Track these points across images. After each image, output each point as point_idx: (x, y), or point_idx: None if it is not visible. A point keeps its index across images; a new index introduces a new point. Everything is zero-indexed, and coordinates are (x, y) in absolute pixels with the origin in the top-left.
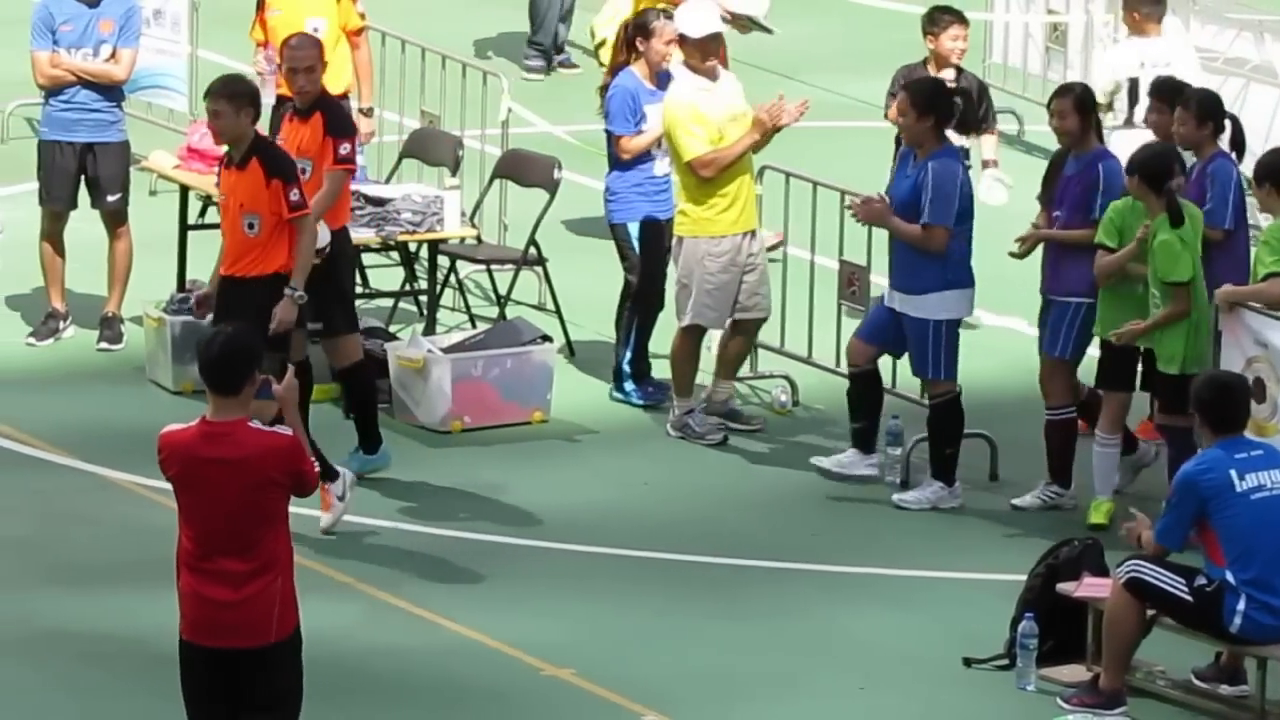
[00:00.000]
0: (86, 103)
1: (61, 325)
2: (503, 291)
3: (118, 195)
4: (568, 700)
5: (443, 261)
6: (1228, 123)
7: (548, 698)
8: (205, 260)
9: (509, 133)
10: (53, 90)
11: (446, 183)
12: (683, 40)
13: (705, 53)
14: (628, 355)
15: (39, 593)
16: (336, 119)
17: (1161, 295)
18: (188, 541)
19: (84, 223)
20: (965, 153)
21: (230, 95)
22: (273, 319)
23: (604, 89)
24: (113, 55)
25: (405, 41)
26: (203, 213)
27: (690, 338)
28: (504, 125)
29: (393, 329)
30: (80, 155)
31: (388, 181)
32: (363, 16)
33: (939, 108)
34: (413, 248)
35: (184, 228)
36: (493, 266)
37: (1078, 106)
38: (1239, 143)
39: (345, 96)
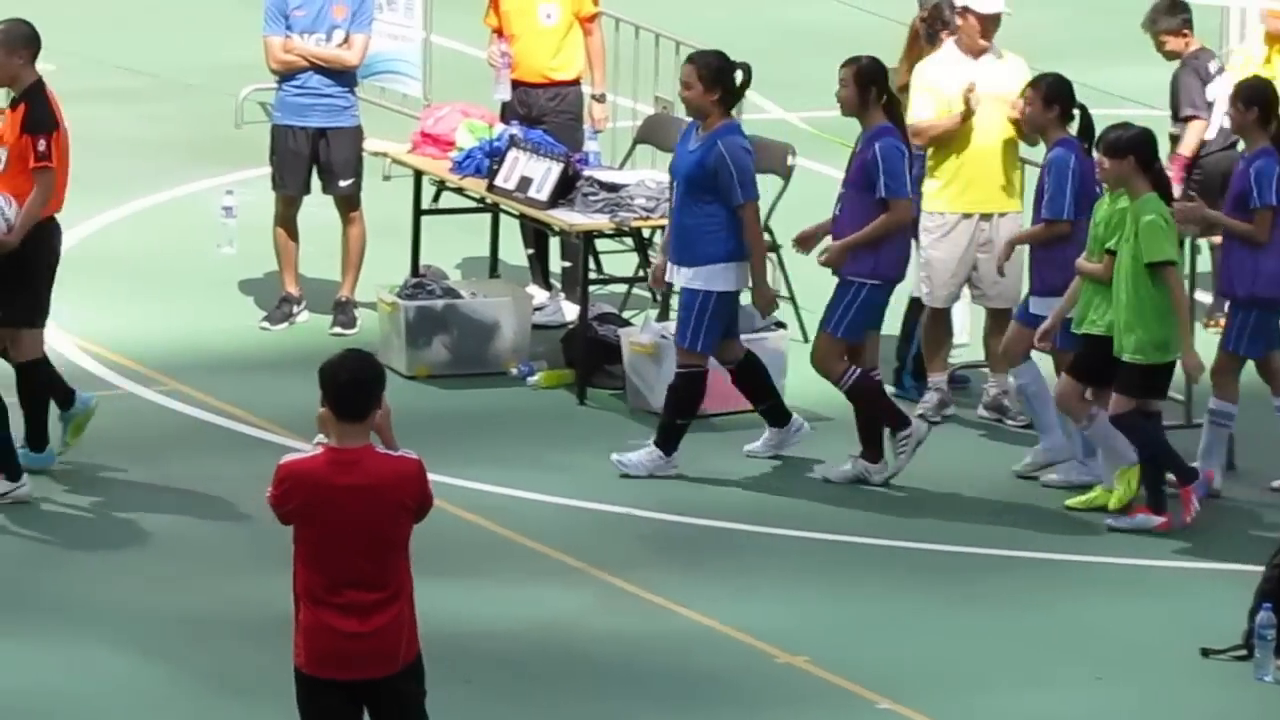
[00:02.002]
0: (319, 88)
1: (295, 310)
2: None
3: (350, 180)
4: (802, 688)
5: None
6: (1077, 110)
7: (783, 685)
8: (439, 245)
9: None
10: (286, 75)
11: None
12: (965, 13)
13: (983, 30)
14: (913, 351)
15: (276, 577)
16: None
17: (1150, 280)
18: (312, 574)
19: (318, 207)
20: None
21: None
22: None
23: (903, 88)
24: (345, 40)
25: (639, 27)
26: (436, 197)
27: (929, 314)
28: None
29: (626, 315)
30: (313, 140)
31: (621, 167)
32: (596, 2)
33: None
34: (646, 233)
35: (418, 212)
36: None
37: (856, 78)
38: (1088, 130)
39: (578, 82)
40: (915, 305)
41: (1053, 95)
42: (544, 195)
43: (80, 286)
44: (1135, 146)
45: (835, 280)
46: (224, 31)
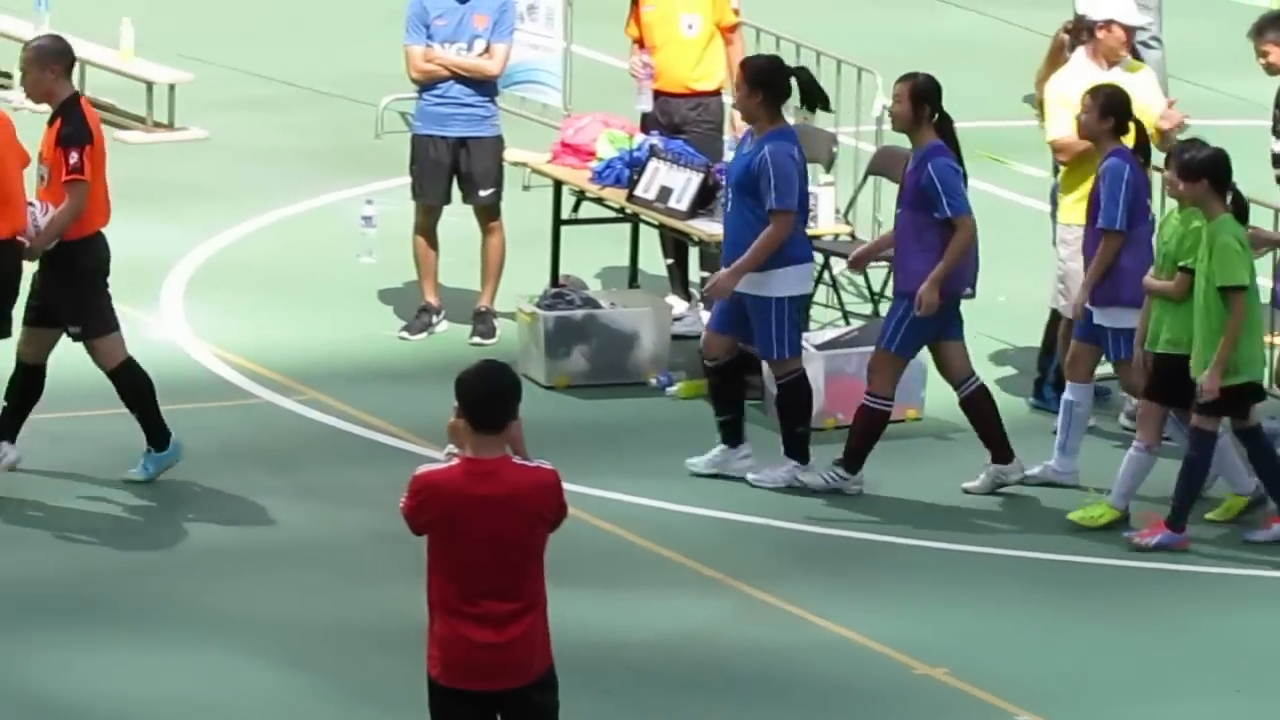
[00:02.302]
0: (460, 97)
1: (434, 319)
2: (876, 288)
3: (491, 190)
4: (941, 699)
5: (816, 258)
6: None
7: (921, 696)
8: (577, 255)
9: (883, 129)
10: (426, 85)
11: (820, 179)
12: (1109, 25)
13: (1127, 42)
14: (1054, 363)
15: (414, 587)
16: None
17: (1220, 301)
18: (448, 584)
19: (458, 217)
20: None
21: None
22: None
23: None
24: (486, 50)
25: (779, 37)
26: (576, 207)
27: (1065, 325)
28: (878, 121)
29: None
30: (454, 150)
31: None
32: (737, 13)
33: None
34: None
35: (557, 222)
36: None
37: (911, 94)
38: (1144, 147)
39: (719, 92)
40: (1055, 317)
41: (1109, 107)
42: (684, 205)
43: (220, 296)
44: (1208, 168)
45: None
46: (364, 41)
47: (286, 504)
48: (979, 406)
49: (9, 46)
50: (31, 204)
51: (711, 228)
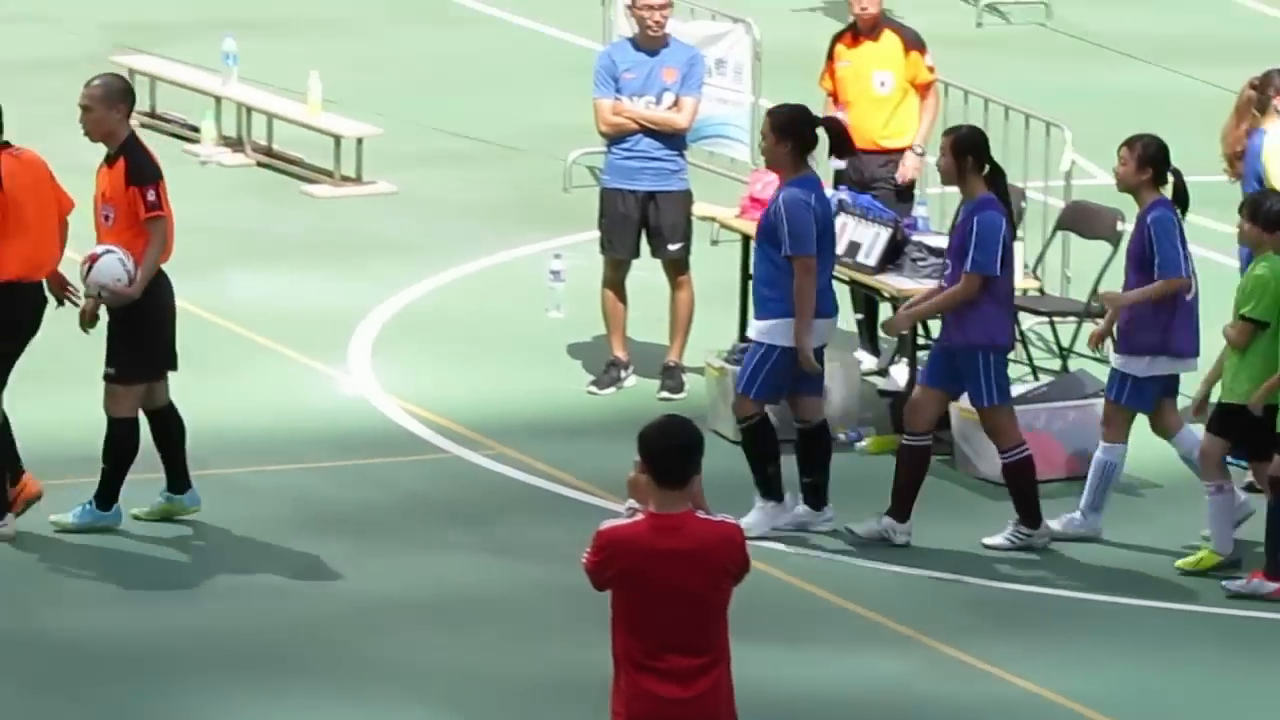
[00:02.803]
0: (649, 151)
1: (623, 374)
2: (1065, 343)
3: (679, 244)
4: None
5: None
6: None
7: None
8: None
9: (1072, 184)
10: (615, 139)
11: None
12: None
13: None
14: None
15: (598, 641)
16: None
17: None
18: (632, 640)
19: (646, 271)
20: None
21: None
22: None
23: (1236, 156)
24: (675, 103)
25: (968, 92)
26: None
27: None
28: (1067, 177)
29: None
30: (642, 204)
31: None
32: (931, 70)
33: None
34: None
35: (746, 277)
36: (1055, 318)
37: (953, 147)
38: (1182, 195)
39: (910, 149)
40: None
41: (1148, 158)
42: (872, 260)
43: (407, 349)
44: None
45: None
46: (552, 95)
47: (472, 558)
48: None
49: (196, 100)
50: (111, 250)
51: (900, 282)
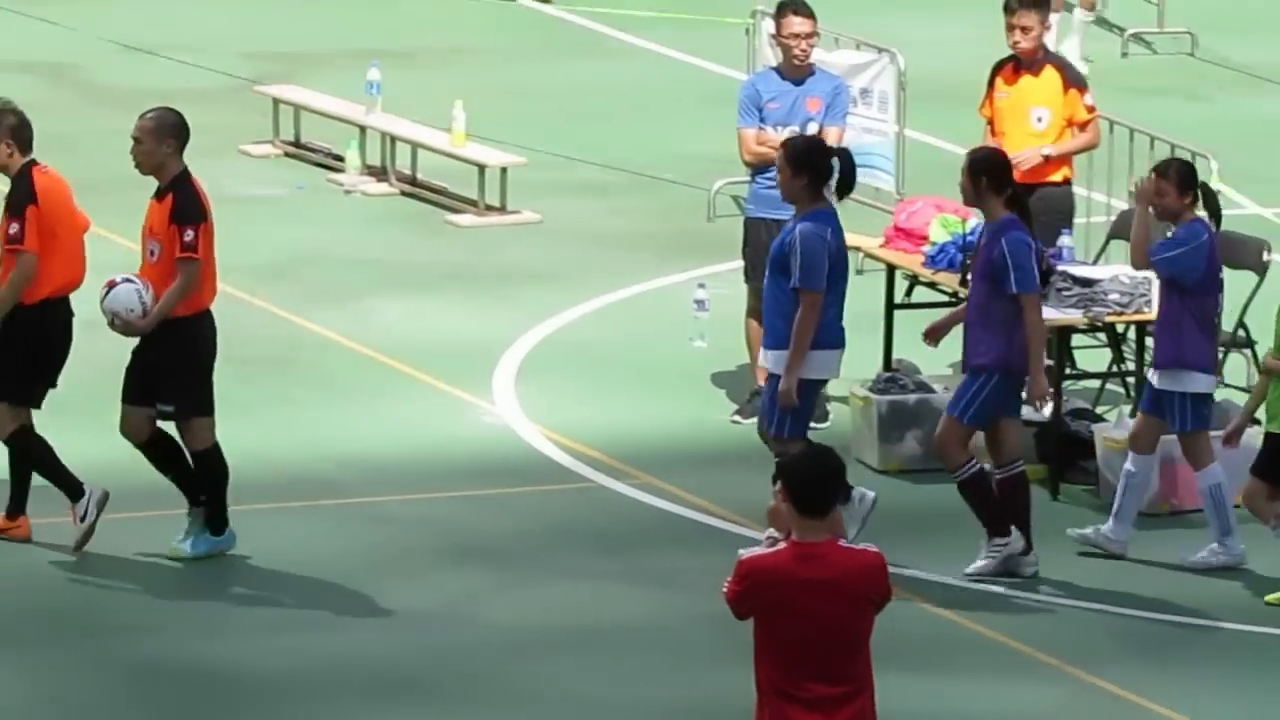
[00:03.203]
0: None
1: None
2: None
3: None
4: None
5: (1150, 342)
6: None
7: None
8: (910, 339)
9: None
10: (759, 168)
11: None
12: None
13: None
14: None
15: (740, 670)
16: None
17: None
18: (776, 669)
19: None
20: None
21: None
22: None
23: None
24: (819, 133)
25: (1113, 122)
26: (909, 291)
27: None
28: None
29: (1100, 410)
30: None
31: (1095, 262)
32: (1091, 110)
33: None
34: (1120, 328)
35: (890, 306)
36: None
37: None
38: (1215, 212)
39: (1066, 183)
40: None
41: (1186, 181)
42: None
43: (551, 378)
44: None
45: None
46: (696, 125)
47: (615, 587)
48: (1016, 492)
49: (341, 129)
50: (131, 280)
51: (1045, 313)
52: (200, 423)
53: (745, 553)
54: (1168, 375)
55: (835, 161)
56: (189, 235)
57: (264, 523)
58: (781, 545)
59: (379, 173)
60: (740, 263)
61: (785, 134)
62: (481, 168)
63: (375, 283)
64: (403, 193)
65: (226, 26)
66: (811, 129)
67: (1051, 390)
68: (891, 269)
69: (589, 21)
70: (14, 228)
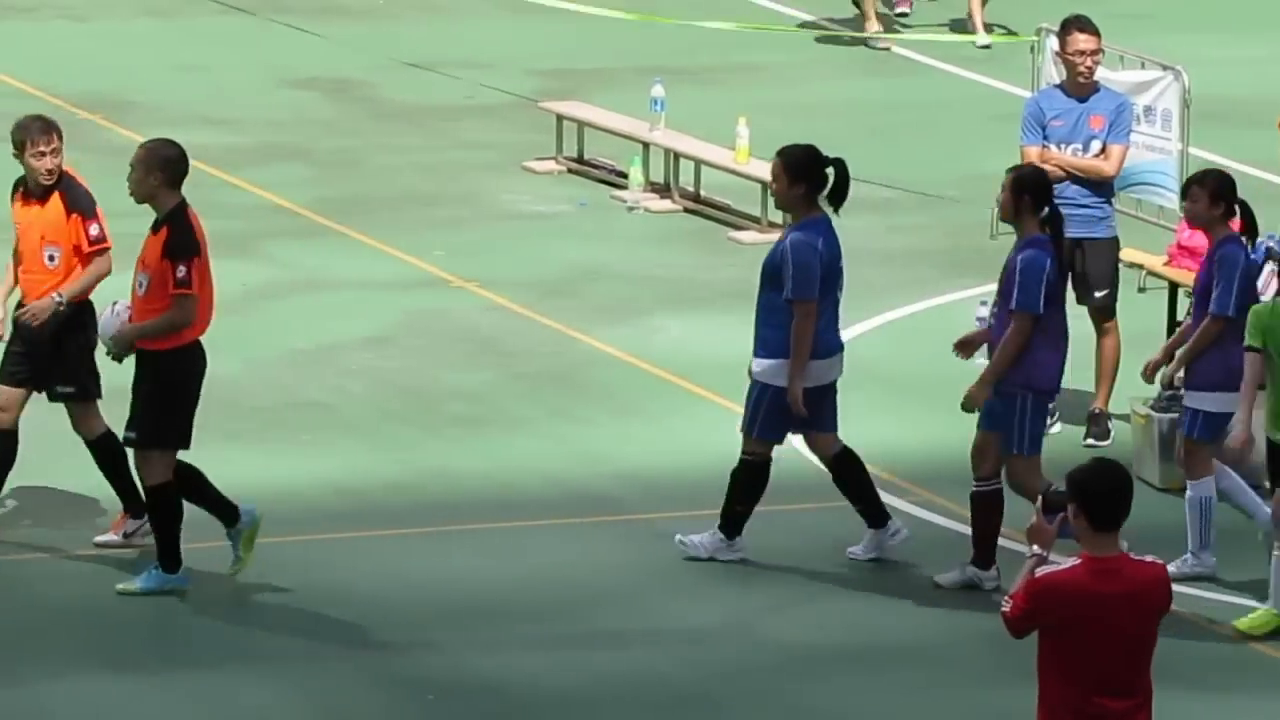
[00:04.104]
0: (1076, 198)
1: (1050, 421)
2: None
3: (1106, 291)
4: None
5: None
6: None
7: None
8: None
9: None
10: None
11: None
12: None
13: None
14: None
15: (1024, 689)
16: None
17: None
18: (1068, 686)
19: (1073, 318)
20: None
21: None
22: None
23: None
24: (1103, 151)
25: None
26: (1189, 310)
27: None
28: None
29: None
30: (1069, 251)
31: None
32: None
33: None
34: None
35: (1173, 324)
36: None
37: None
38: (1251, 227)
39: None
40: None
41: (1219, 193)
42: None
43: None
44: None
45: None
46: (979, 143)
47: (893, 602)
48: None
49: (624, 146)
50: (115, 302)
51: None
52: (156, 457)
53: (1040, 572)
54: (1207, 396)
55: (831, 171)
56: (181, 271)
57: (544, 538)
58: (1074, 561)
59: (662, 189)
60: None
61: (1068, 152)
62: (765, 184)
63: (657, 299)
64: (685, 209)
65: (512, 43)
66: (1095, 147)
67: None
68: (1174, 287)
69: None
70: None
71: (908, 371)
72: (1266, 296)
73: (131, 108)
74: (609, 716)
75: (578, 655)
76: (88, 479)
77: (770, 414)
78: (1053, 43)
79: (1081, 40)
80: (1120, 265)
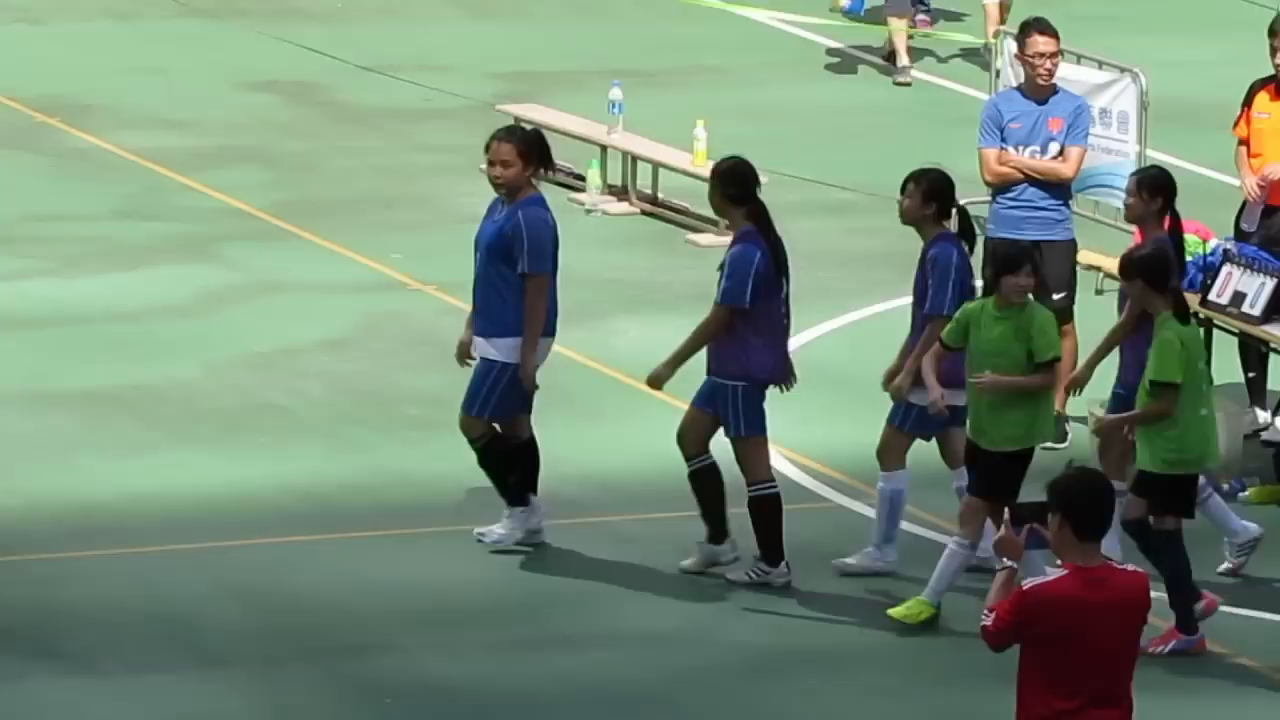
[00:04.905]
0: (1034, 201)
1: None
2: None
3: (1064, 294)
4: None
5: None
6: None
7: None
8: None
9: None
10: (1000, 188)
11: None
12: None
13: None
14: None
15: (988, 690)
16: None
17: (1148, 394)
18: (1055, 697)
19: None
20: None
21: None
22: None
23: None
24: (1061, 153)
25: None
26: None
27: None
28: None
29: None
30: (1030, 253)
31: None
32: None
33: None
34: None
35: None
36: None
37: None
38: (968, 231)
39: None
40: None
41: (932, 192)
42: (1257, 310)
43: (791, 398)
44: (1143, 269)
45: None
46: (937, 145)
47: (857, 607)
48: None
49: (583, 149)
50: None
51: None
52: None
53: (1027, 583)
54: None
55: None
56: None
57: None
58: (1063, 572)
59: (620, 192)
60: (980, 283)
61: (1026, 154)
62: None
63: (615, 302)
64: (644, 212)
65: (470, 46)
66: (1053, 149)
67: None
68: None
69: (831, 41)
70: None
71: (865, 373)
72: (1224, 298)
73: (90, 110)
74: (567, 718)
75: (536, 657)
76: None
77: (504, 392)
78: (1011, 45)
79: (1040, 42)
80: (1078, 268)
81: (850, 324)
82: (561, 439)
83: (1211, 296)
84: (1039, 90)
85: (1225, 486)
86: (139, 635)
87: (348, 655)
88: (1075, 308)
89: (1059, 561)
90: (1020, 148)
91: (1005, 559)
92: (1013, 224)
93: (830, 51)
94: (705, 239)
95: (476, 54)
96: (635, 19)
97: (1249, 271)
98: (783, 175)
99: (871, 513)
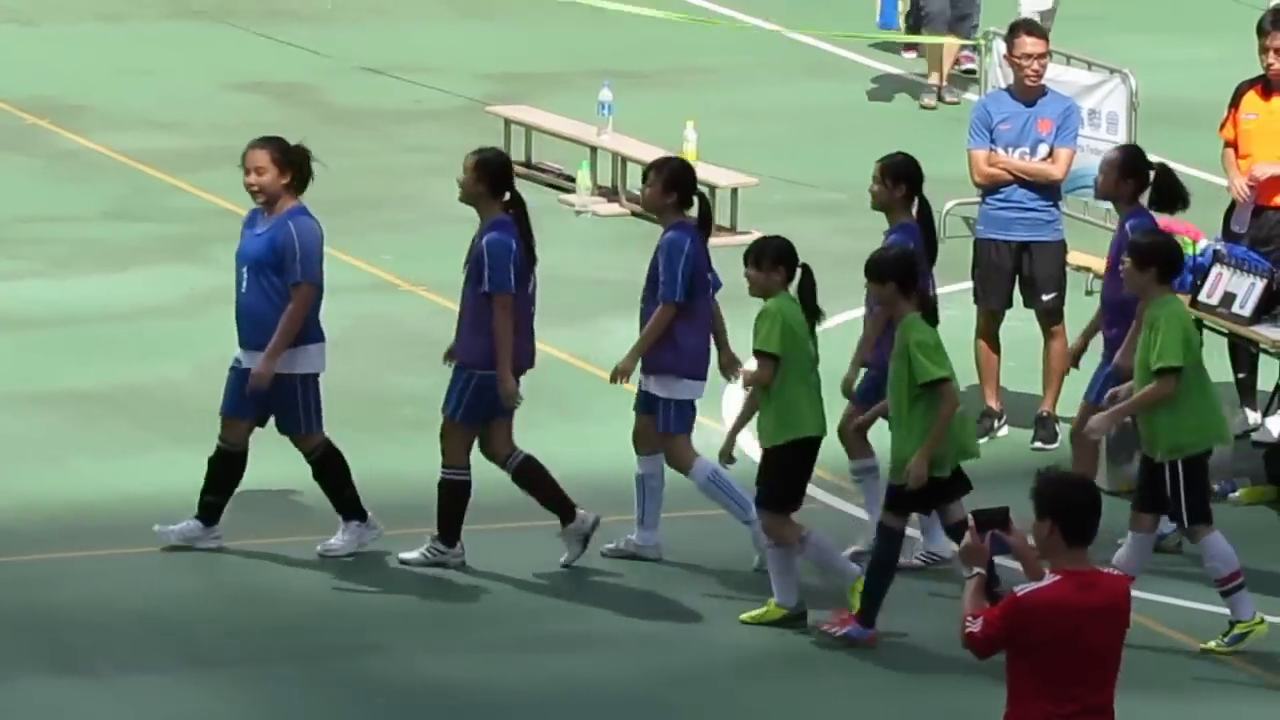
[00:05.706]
0: (1023, 202)
1: (996, 424)
2: None
3: (1053, 294)
4: None
5: None
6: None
7: None
8: None
9: None
10: (989, 189)
11: None
12: None
13: None
14: None
15: (976, 688)
16: None
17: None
18: (1047, 703)
19: (1019, 321)
20: None
21: None
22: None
23: None
24: (1050, 154)
25: None
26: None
27: None
28: None
29: None
30: (1016, 254)
31: None
32: None
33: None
34: None
35: None
36: None
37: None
38: (706, 219)
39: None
40: None
41: (672, 181)
42: (1247, 311)
43: None
44: (893, 272)
45: None
46: (927, 146)
47: (840, 606)
48: (531, 475)
49: (573, 150)
50: None
51: (1275, 333)
52: None
53: (1020, 590)
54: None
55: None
56: None
57: (494, 541)
58: (1055, 578)
59: (610, 193)
60: (970, 284)
61: (1015, 155)
62: (712, 188)
63: (606, 303)
64: (633, 213)
65: (460, 47)
66: (1042, 151)
67: None
68: None
69: (820, 43)
70: None
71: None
72: (1214, 299)
73: (80, 112)
74: (559, 719)
75: (526, 658)
76: None
77: (318, 401)
78: (1000, 47)
79: (1029, 44)
80: (1067, 268)
81: (840, 325)
82: (552, 439)
83: (1201, 297)
84: (1028, 91)
85: (1215, 487)
86: (131, 636)
87: (340, 656)
88: (1065, 308)
89: (1047, 569)
90: (1009, 149)
91: (972, 566)
92: (1002, 225)
93: (817, 52)
94: None
95: (466, 55)
96: (625, 20)
97: (1239, 272)
98: (772, 176)
99: (859, 511)
